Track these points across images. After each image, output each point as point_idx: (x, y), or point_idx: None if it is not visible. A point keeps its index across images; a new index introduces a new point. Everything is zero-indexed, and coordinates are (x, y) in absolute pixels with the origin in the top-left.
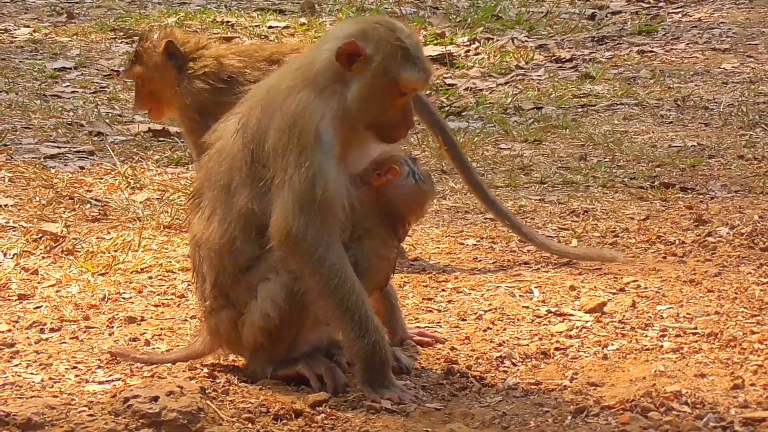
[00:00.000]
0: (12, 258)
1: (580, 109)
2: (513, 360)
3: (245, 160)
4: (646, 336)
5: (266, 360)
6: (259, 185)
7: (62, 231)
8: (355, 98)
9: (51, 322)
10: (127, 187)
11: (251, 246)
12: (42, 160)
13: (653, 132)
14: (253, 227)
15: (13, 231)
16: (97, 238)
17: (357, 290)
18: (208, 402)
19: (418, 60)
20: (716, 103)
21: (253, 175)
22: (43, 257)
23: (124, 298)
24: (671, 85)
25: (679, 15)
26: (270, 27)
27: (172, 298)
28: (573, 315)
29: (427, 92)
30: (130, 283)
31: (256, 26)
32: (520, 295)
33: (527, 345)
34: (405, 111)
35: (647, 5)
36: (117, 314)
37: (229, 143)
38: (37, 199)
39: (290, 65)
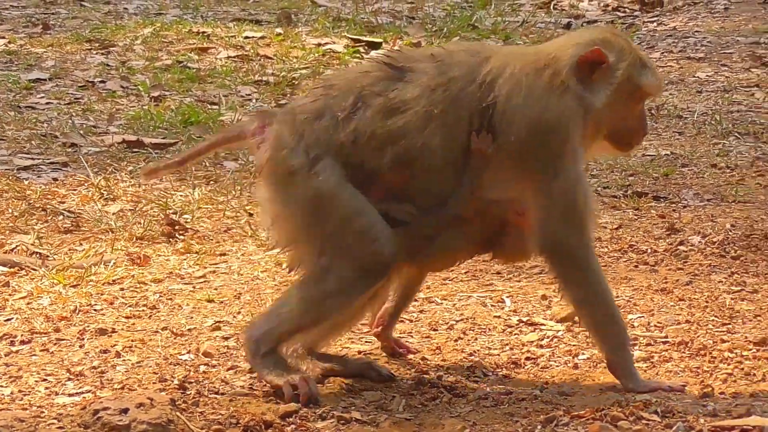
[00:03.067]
0: None
1: None
2: (484, 370)
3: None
4: None
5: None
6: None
7: (34, 243)
8: (603, 106)
9: (21, 335)
10: (100, 198)
11: None
12: (15, 171)
13: None
14: None
15: None
16: (70, 249)
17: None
18: (178, 414)
19: (653, 67)
20: (690, 111)
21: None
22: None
23: (95, 310)
24: None
25: (654, 24)
26: (246, 37)
27: (143, 310)
28: (544, 324)
29: None
30: (102, 294)
31: (232, 37)
32: (492, 305)
33: (498, 355)
34: (642, 117)
35: (623, 14)
36: (88, 326)
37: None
38: (10, 210)
39: (528, 60)
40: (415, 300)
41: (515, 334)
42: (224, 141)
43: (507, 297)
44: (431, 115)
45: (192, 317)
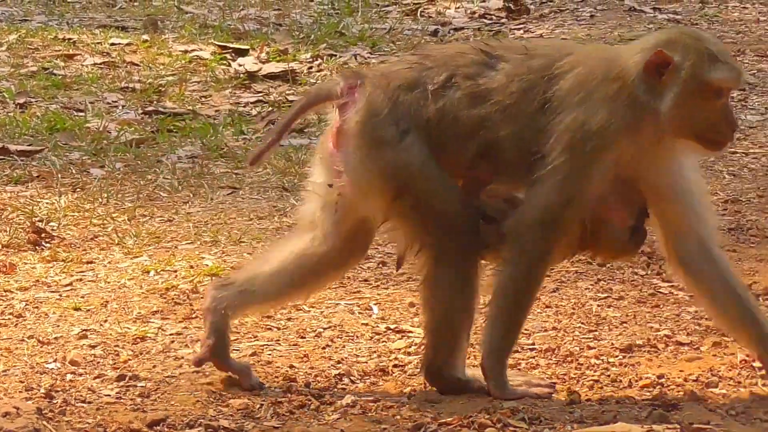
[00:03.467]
0: None
1: None
2: (352, 377)
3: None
4: None
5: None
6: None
7: None
8: (670, 108)
9: None
10: None
11: None
12: None
13: None
14: None
15: None
16: None
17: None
18: (44, 423)
19: (726, 60)
20: None
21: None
22: None
23: None
24: None
25: (521, 31)
26: (112, 44)
27: (9, 318)
28: (412, 332)
29: (270, 109)
30: None
31: (99, 43)
32: (360, 312)
33: (366, 362)
34: (725, 112)
35: (490, 21)
36: None
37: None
38: None
39: (599, 64)
40: (283, 308)
41: (383, 342)
42: (315, 102)
43: (374, 304)
44: (506, 106)
45: (59, 325)
